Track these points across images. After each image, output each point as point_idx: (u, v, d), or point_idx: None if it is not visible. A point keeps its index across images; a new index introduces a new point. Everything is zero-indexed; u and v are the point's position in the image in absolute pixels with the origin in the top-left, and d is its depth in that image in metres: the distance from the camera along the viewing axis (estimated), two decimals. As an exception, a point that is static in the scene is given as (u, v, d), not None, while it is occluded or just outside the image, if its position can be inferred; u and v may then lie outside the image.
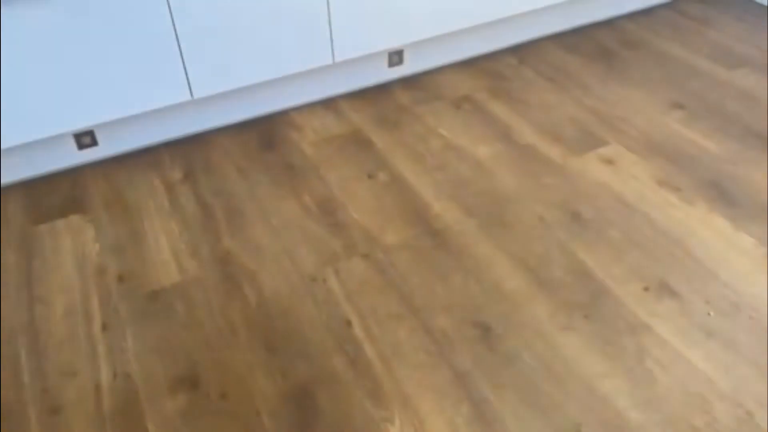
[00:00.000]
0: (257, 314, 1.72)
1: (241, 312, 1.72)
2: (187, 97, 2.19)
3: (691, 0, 3.15)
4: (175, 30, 2.05)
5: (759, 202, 1.96)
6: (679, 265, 1.78)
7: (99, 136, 2.22)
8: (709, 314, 1.64)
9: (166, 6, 2.00)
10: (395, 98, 2.54)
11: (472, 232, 1.93)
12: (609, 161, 2.15)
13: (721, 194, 1.99)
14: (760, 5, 3.06)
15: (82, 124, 2.11)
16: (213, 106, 2.35)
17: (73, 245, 1.95)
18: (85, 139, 2.21)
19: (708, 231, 1.87)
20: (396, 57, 2.59)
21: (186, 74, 2.14)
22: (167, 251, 1.91)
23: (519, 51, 2.81)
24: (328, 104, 2.52)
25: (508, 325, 1.65)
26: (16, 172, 2.18)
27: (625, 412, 1.44)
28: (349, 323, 1.68)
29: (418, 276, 1.80)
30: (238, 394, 1.52)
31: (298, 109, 2.49)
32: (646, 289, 1.72)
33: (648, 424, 1.42)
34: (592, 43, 2.84)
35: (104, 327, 1.70)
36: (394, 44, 2.46)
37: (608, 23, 2.98)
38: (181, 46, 2.09)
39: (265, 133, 2.38)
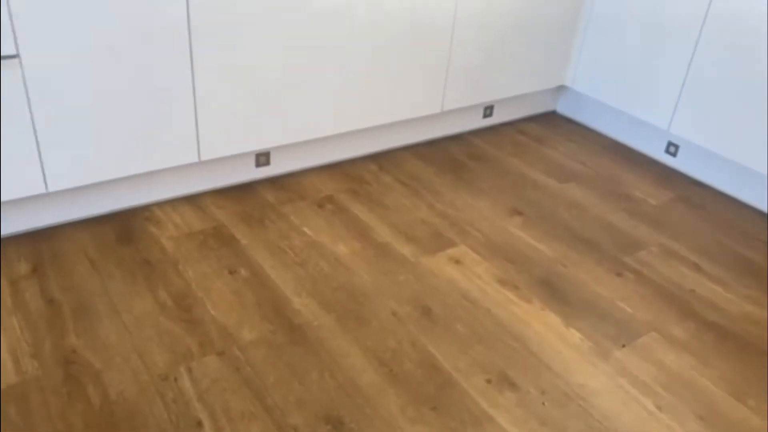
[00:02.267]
0: (100, 418, 1.63)
1: (82, 415, 1.63)
2: (41, 189, 2.13)
3: (529, 121, 3.59)
4: (32, 118, 2.02)
5: (585, 299, 2.20)
6: (518, 357, 1.93)
7: (-65, 226, 2.08)
8: (543, 404, 1.78)
9: (23, 91, 1.97)
10: (261, 196, 2.61)
11: (330, 326, 1.99)
12: (457, 261, 2.33)
13: (553, 292, 2.22)
14: (587, 128, 3.55)
15: None
16: (69, 198, 2.29)
17: None
18: None
19: (542, 326, 2.06)
20: (263, 158, 2.69)
21: (42, 165, 2.09)
22: (5, 350, 1.78)
23: (378, 158, 3.02)
24: (192, 200, 2.54)
25: (362, 419, 1.69)
26: None
27: (468, 501, 1.51)
28: (199, 424, 1.64)
29: (274, 372, 1.81)
30: (71, 504, 1.42)
31: (160, 204, 2.49)
32: (488, 381, 1.84)
33: None
34: (443, 154, 3.13)
35: None
36: (261, 146, 2.57)
37: (458, 138, 3.31)
38: (38, 135, 2.05)
39: (123, 227, 2.34)
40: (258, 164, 2.69)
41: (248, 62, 2.36)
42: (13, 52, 1.91)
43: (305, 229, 2.43)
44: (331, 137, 2.84)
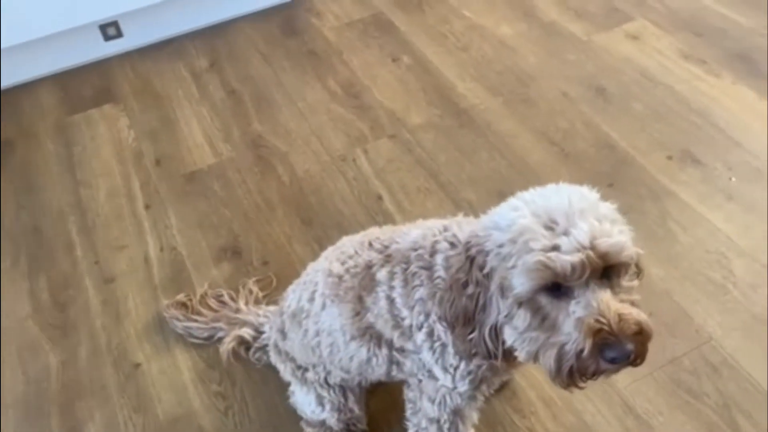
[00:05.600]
0: (291, 191, 1.79)
1: (276, 190, 1.79)
2: (207, -17, 2.17)
3: None
4: None
5: (786, 72, 1.95)
6: (703, 134, 1.80)
7: (124, 28, 2.23)
8: (730, 179, 1.68)
9: None
10: (416, -19, 2.49)
11: (497, 109, 1.95)
12: (634, 37, 2.12)
13: (749, 66, 1.98)
14: None
15: (106, 15, 2.12)
16: (233, -7, 2.33)
17: (109, 133, 2.01)
18: (111, 30, 2.22)
19: (733, 102, 1.88)
20: (416, -62, 2.51)
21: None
22: (200, 136, 1.97)
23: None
24: (349, -11, 2.48)
25: (534, 194, 1.70)
26: (46, 65, 2.21)
27: (648, 268, 1.49)
28: (379, 198, 1.75)
29: (445, 154, 1.85)
30: (278, 261, 1.62)
31: (319, -6, 2.46)
32: (669, 158, 1.75)
33: (668, 278, 1.49)
34: None
35: (147, 206, 1.79)
36: (414, -77, 2.39)
37: None
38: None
39: (287, 20, 2.37)
40: (411, -54, 2.53)
41: None
42: None
43: (465, 12, 2.31)
44: None
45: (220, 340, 1.41)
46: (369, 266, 1.05)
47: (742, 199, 1.63)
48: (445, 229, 1.01)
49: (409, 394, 1.13)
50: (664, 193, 1.67)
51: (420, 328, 1.00)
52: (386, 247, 1.05)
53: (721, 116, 1.84)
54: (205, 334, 1.45)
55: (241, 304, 1.47)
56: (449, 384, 1.03)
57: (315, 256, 1.25)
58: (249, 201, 1.77)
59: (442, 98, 2.01)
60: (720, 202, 1.63)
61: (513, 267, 0.81)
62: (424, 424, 1.12)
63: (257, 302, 1.49)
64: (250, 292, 1.50)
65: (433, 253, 0.99)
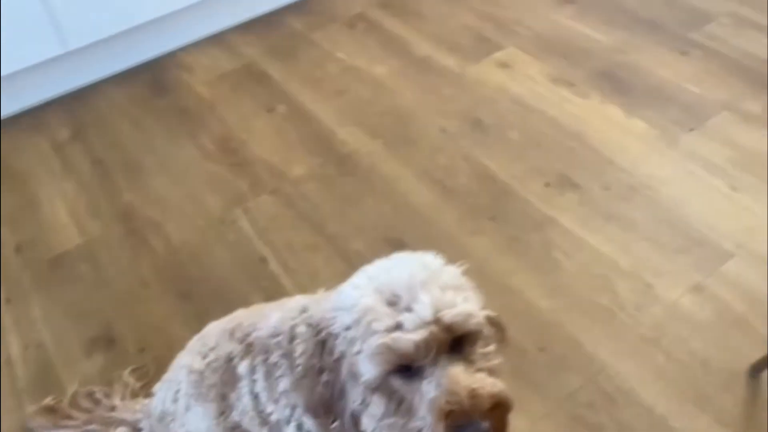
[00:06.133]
0: (167, 264, 1.68)
1: (151, 264, 1.68)
2: (60, 49, 2.04)
3: None
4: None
5: (648, 86, 2.02)
6: (577, 157, 1.83)
7: (-28, 104, 2.07)
8: (607, 200, 1.70)
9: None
10: (288, 26, 2.45)
11: (378, 152, 1.92)
12: (505, 65, 2.16)
13: (613, 84, 2.05)
14: None
15: (-52, 93, 1.95)
16: (94, 55, 2.20)
17: (-39, 222, 1.84)
18: (-44, 108, 2.05)
19: (602, 121, 1.93)
20: (284, -18, 2.48)
21: (56, 24, 1.99)
22: (65, 214, 1.83)
23: (409, -37, 2.74)
24: (218, 40, 2.40)
25: (420, 237, 1.67)
26: None
27: (536, 301, 1.51)
28: (263, 260, 1.67)
29: (329, 204, 1.80)
30: (156, 345, 1.51)
31: (186, 48, 2.37)
32: (547, 184, 1.77)
33: (557, 309, 1.49)
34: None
35: (7, 300, 1.63)
36: (279, -31, 2.36)
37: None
38: (44, -7, 1.93)
39: (155, 78, 2.26)
40: (281, -10, 2.49)
41: None
42: None
43: (339, 54, 2.28)
44: (352, -52, 2.57)
45: (95, 445, 1.28)
46: (230, 359, 0.97)
47: (619, 219, 1.66)
48: (304, 310, 0.95)
49: None
50: (546, 221, 1.67)
51: (288, 422, 0.92)
52: (246, 335, 0.98)
53: (593, 136, 1.89)
54: (78, 441, 1.32)
55: (116, 400, 1.35)
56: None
57: (195, 334, 1.18)
58: (121, 281, 1.65)
59: (322, 146, 1.96)
60: (600, 224, 1.66)
61: (359, 352, 0.76)
62: None
63: (134, 395, 1.38)
64: (126, 385, 1.38)
65: (291, 338, 0.92)
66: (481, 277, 1.60)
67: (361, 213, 1.76)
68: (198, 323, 1.49)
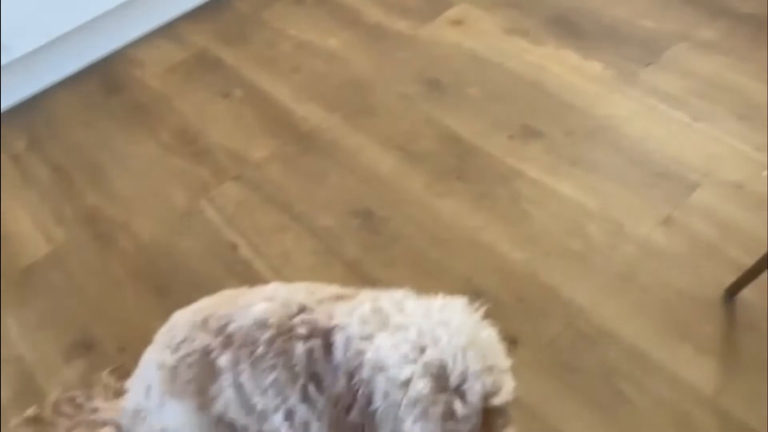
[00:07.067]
0: (139, 262, 1.66)
1: (122, 264, 1.66)
2: (5, 59, 1.99)
3: None
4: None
5: (603, 26, 2.00)
6: (538, 105, 1.82)
7: None
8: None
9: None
10: (235, 9, 2.39)
11: (339, 126, 1.90)
12: (458, 22, 2.13)
13: (567, 28, 2.02)
14: None
15: None
16: (41, 61, 2.15)
17: (-76, 246, 1.80)
18: None
19: (559, 67, 1.91)
20: (226, -35, 2.42)
21: (-5, 33, 1.94)
22: (29, 225, 1.79)
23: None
24: (166, 31, 2.35)
25: (388, 205, 1.66)
26: None
27: (509, 254, 1.51)
28: (234, 246, 1.65)
29: (294, 183, 1.78)
30: (136, 344, 1.49)
31: (135, 43, 2.32)
32: (510, 137, 1.75)
33: (531, 259, 1.49)
34: None
35: (-19, 318, 1.61)
36: (218, -49, 2.30)
37: None
38: (-23, 3, 1.87)
39: (106, 77, 2.21)
40: (223, -26, 2.43)
41: None
42: None
43: (291, 31, 2.24)
44: None
45: (83, 450, 1.27)
46: (206, 352, 0.95)
47: (584, 162, 1.65)
48: (302, 310, 0.92)
49: None
50: (512, 174, 1.66)
51: (276, 410, 0.91)
52: (223, 326, 0.95)
53: (551, 83, 1.87)
54: (65, 447, 1.31)
55: (99, 402, 1.34)
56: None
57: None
58: (94, 284, 1.63)
59: (282, 125, 1.94)
60: (565, 169, 1.65)
61: (404, 421, 0.78)
62: None
63: (117, 395, 1.36)
64: (106, 386, 1.37)
65: (288, 338, 0.90)
66: (452, 238, 1.60)
67: (326, 188, 1.74)
68: (174, 317, 1.49)
